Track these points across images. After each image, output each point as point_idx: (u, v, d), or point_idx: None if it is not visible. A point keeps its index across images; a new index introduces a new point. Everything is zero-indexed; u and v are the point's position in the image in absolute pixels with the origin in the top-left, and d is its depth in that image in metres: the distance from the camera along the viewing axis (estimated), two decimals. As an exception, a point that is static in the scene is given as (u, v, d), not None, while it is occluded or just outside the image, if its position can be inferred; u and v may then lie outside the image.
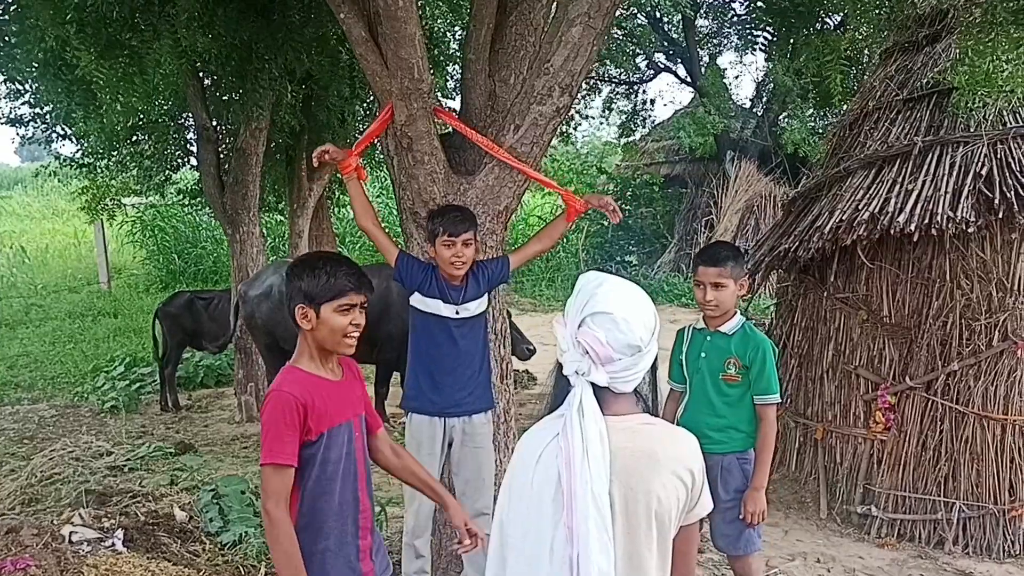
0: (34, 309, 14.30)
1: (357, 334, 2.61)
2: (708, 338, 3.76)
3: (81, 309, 14.41)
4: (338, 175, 11.54)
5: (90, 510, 4.70)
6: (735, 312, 3.75)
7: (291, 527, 2.52)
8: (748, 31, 14.99)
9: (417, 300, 3.86)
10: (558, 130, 4.15)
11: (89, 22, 5.73)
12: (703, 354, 3.76)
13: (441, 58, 7.84)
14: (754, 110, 17.42)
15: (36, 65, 6.18)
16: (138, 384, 9.67)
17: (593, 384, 1.94)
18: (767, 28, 14.04)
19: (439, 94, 8.29)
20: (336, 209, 15.19)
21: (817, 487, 5.82)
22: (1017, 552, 5.02)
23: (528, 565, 1.94)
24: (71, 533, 4.03)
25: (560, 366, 2.01)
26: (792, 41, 12.88)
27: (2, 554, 3.66)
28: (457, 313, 3.81)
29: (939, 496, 5.21)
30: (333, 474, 2.60)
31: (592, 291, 1.99)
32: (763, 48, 15.20)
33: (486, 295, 3.92)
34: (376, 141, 4.19)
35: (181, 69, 7.12)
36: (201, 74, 8.47)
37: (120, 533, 4.22)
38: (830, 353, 5.82)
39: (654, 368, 2.12)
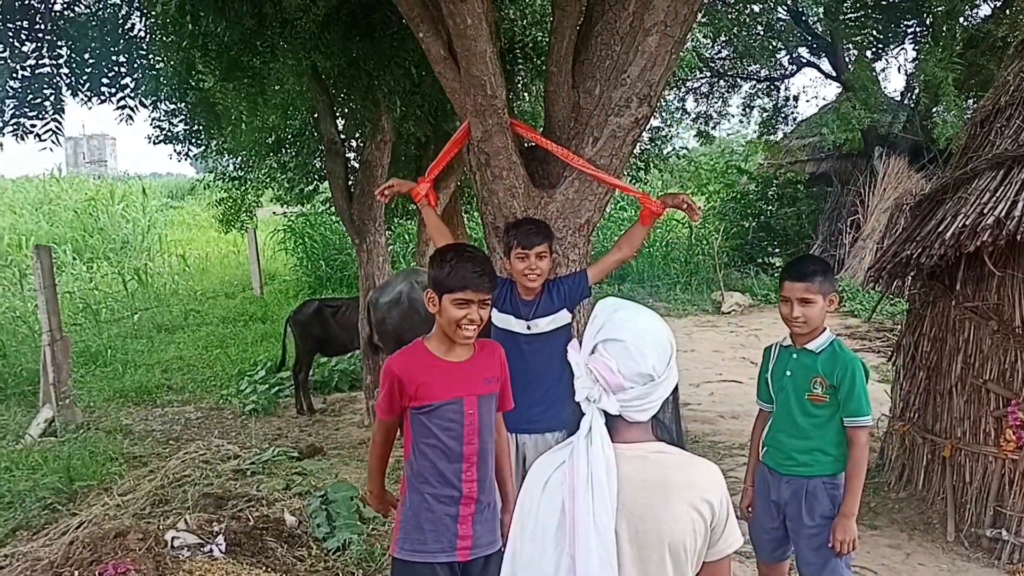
0: (192, 315, 15.15)
1: (473, 328, 2.84)
2: (794, 356, 3.57)
3: (234, 314, 15.16)
4: (466, 178, 11.78)
5: (201, 514, 4.93)
6: (824, 329, 3.55)
7: (383, 448, 3.11)
8: (893, 23, 14.33)
9: (494, 316, 3.86)
10: (638, 141, 4.06)
11: (212, 47, 6.06)
12: (788, 372, 3.57)
13: (544, 68, 7.84)
14: (905, 103, 16.55)
15: (163, 88, 6.53)
16: (277, 388, 10.10)
17: (606, 412, 1.89)
18: (912, 18, 13.36)
19: (540, 105, 8.28)
20: (472, 214, 15.42)
21: (944, 508, 5.46)
22: None
23: None
24: (173, 538, 4.25)
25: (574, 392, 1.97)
26: (943, 31, 12.19)
27: (109, 557, 3.90)
28: (528, 328, 3.78)
29: (1077, 522, 4.81)
30: (435, 442, 2.88)
31: (607, 317, 1.94)
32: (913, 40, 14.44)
33: (564, 311, 3.86)
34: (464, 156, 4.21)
35: (305, 86, 7.40)
36: (332, 90, 8.77)
37: (221, 539, 4.40)
38: (959, 365, 5.46)
39: (676, 396, 2.04)
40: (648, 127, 8.63)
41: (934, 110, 15.29)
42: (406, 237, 17.84)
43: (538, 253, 3.69)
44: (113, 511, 5.76)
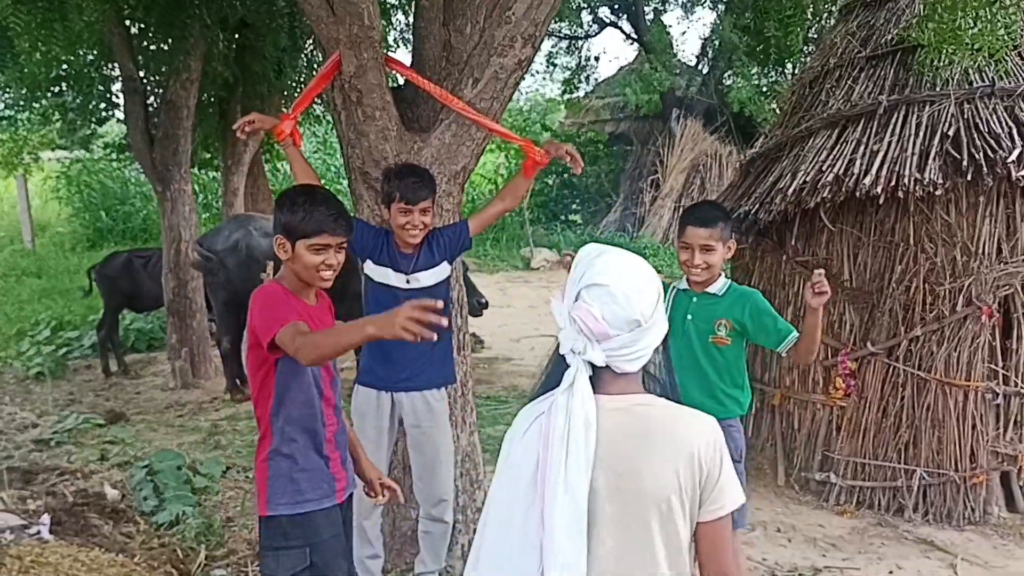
0: (-46, 270, 13.62)
1: (331, 273, 2.69)
2: (694, 299, 3.49)
3: (4, 269, 13.77)
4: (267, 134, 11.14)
5: (14, 491, 4.36)
6: (721, 273, 3.50)
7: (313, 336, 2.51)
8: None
9: (369, 268, 3.58)
10: (518, 85, 3.87)
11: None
12: (689, 316, 3.48)
13: (387, 5, 7.42)
14: (699, 68, 17.25)
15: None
16: (65, 349, 9.24)
17: (593, 364, 1.77)
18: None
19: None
20: (274, 164, 14.72)
21: (775, 454, 5.71)
22: (977, 519, 4.97)
23: (500, 544, 1.80)
24: (-10, 521, 3.72)
25: (559, 344, 1.84)
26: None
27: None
28: (408, 283, 3.53)
29: (899, 463, 5.13)
30: (303, 388, 2.70)
31: (589, 262, 1.82)
32: (711, 5, 15.02)
33: (445, 263, 3.64)
34: (321, 95, 3.86)
35: (105, 15, 6.65)
36: (128, 22, 7.99)
37: (47, 518, 3.90)
38: (789, 318, 5.65)
39: (667, 346, 1.92)
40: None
41: (726, 75, 16.05)
42: (196, 187, 16.78)
43: (422, 208, 3.45)
44: None
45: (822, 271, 3.31)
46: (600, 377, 1.79)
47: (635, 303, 1.76)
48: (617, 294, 1.75)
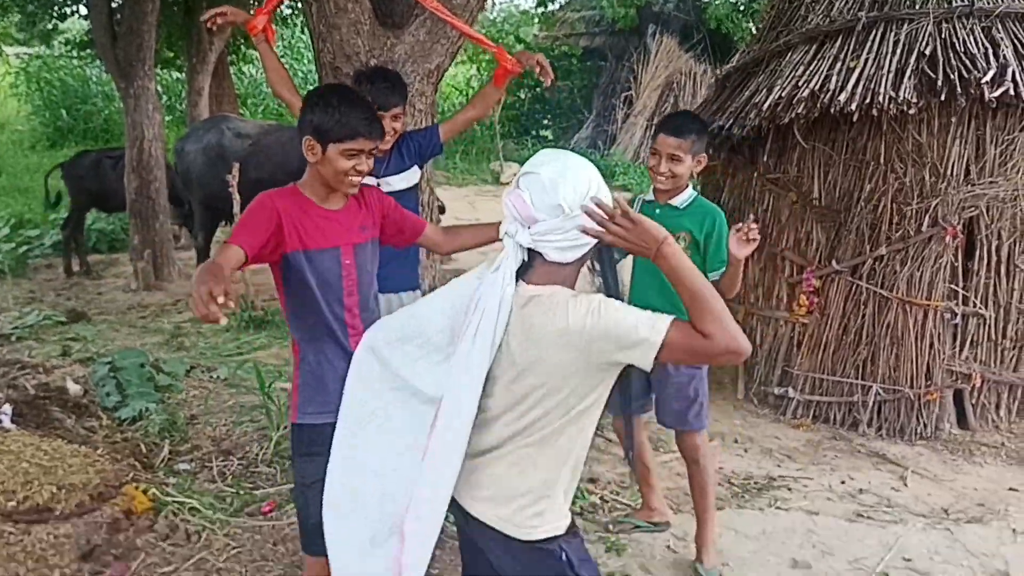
0: (-93, 164, 13.27)
1: (359, 179, 2.63)
2: (657, 211, 3.48)
3: (-40, 165, 13.45)
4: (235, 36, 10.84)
5: (-27, 383, 4.33)
6: (687, 186, 3.50)
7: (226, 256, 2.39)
8: None
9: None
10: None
11: None
12: None
13: None
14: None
15: None
16: (25, 247, 9.10)
17: (532, 252, 1.95)
18: None
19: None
20: (239, 66, 14.41)
21: (735, 369, 5.80)
22: (929, 435, 5.11)
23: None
24: (-50, 409, 3.70)
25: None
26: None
27: None
28: (378, 186, 3.49)
29: (856, 379, 5.24)
30: (319, 292, 2.64)
31: (534, 159, 2.00)
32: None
33: (415, 167, 3.58)
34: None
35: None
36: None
37: (8, 408, 3.89)
38: (757, 234, 5.71)
39: (610, 253, 2.04)
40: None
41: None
42: (160, 86, 16.41)
43: (393, 114, 3.36)
44: None
45: (757, 224, 3.23)
46: (531, 265, 1.96)
47: (560, 189, 1.90)
48: (545, 181, 1.91)
